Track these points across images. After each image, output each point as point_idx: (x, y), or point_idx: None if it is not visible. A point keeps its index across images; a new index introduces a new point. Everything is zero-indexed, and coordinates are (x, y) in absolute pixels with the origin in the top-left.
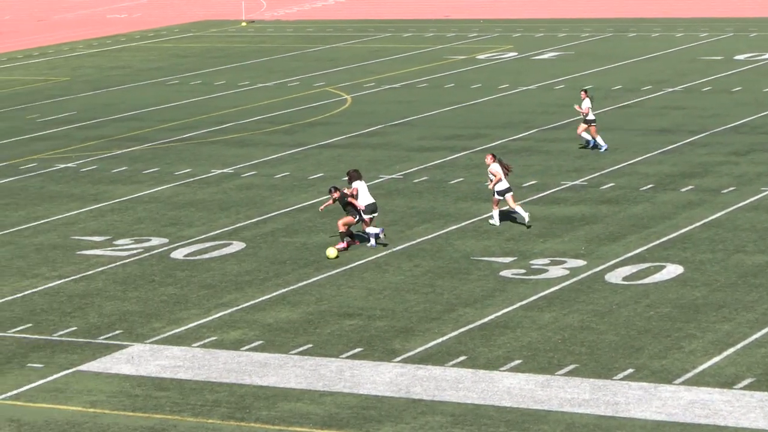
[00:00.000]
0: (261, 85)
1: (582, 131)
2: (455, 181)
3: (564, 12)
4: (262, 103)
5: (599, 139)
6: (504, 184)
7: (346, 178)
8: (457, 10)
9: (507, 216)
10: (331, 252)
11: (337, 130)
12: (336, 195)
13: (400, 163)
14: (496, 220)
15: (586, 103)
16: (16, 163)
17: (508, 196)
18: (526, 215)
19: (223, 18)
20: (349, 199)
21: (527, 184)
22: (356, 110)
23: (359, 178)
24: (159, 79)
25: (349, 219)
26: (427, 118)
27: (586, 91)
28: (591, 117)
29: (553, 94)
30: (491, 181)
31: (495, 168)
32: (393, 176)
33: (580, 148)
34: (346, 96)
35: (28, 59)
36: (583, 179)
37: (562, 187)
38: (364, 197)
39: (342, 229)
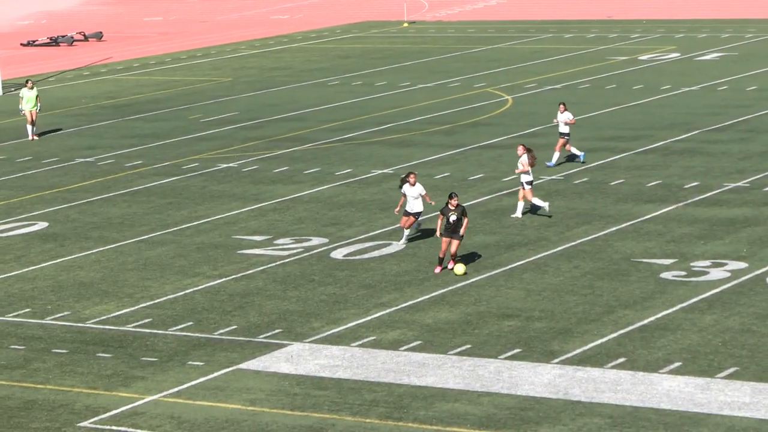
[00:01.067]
0: (422, 85)
1: (568, 147)
2: (616, 182)
3: (728, 12)
4: (422, 103)
5: (555, 155)
6: (528, 177)
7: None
8: (619, 10)
9: (669, 219)
10: (459, 269)
11: (497, 131)
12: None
13: (560, 164)
14: (518, 213)
15: (567, 116)
16: (178, 162)
17: (528, 188)
18: (545, 204)
19: (385, 19)
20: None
21: (689, 185)
22: (517, 111)
23: None
24: (320, 80)
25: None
26: (588, 119)
27: (564, 104)
28: (566, 130)
29: (716, 95)
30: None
31: (524, 159)
32: (553, 177)
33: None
34: (507, 97)
35: (191, 60)
36: (746, 181)
37: (725, 188)
38: None
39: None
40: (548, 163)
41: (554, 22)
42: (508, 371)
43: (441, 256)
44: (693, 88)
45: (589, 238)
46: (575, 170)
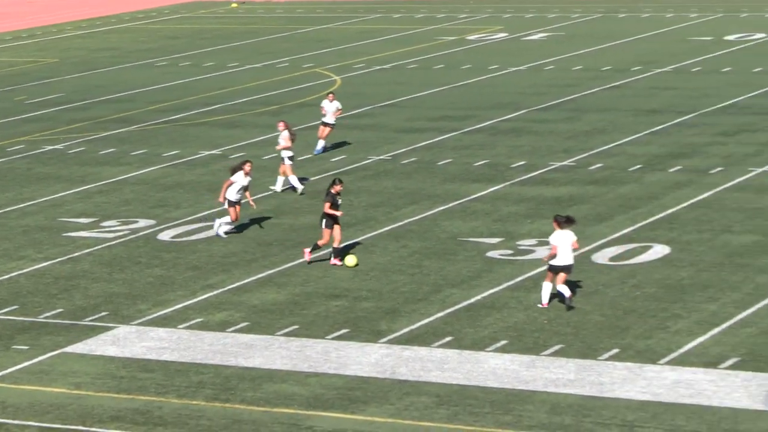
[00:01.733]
0: (250, 66)
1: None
2: (443, 162)
3: None
4: (250, 84)
5: (319, 143)
6: (289, 152)
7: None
8: None
9: (496, 198)
10: (351, 260)
11: None
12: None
13: (388, 144)
14: None
15: (336, 105)
16: (3, 144)
17: (289, 164)
18: (300, 187)
19: None
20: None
21: (516, 164)
22: (345, 91)
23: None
24: (148, 61)
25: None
26: (416, 99)
27: (333, 93)
28: (332, 120)
29: (543, 75)
30: None
31: (285, 135)
32: (381, 157)
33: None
34: (335, 77)
35: (16, 41)
36: (571, 160)
37: (551, 167)
38: None
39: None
40: (315, 151)
41: (382, 3)
42: (336, 351)
43: (336, 246)
44: (520, 68)
45: (417, 217)
46: (403, 150)
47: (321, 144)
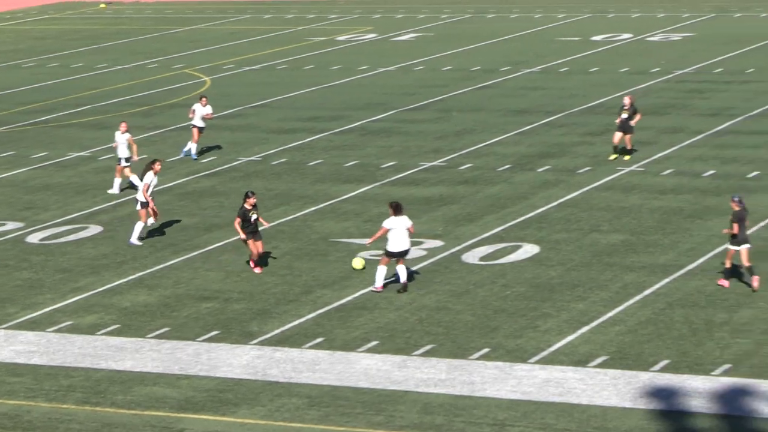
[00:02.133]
0: (119, 67)
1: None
2: (314, 162)
3: None
4: (120, 85)
5: (192, 147)
6: (126, 153)
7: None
8: None
9: (367, 199)
10: (358, 263)
11: None
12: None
13: (259, 145)
14: None
15: (208, 110)
16: None
17: (125, 165)
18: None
19: (82, 0)
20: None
21: (386, 165)
22: (216, 92)
23: None
24: (15, 62)
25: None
26: (286, 100)
27: (206, 97)
28: (202, 124)
29: (413, 76)
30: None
31: (120, 137)
32: (252, 158)
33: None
34: (206, 78)
35: None
36: (441, 160)
37: (421, 168)
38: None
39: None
40: (192, 156)
41: (252, 3)
42: (207, 353)
43: (255, 259)
44: (390, 68)
45: (288, 218)
46: (273, 151)
47: (193, 147)
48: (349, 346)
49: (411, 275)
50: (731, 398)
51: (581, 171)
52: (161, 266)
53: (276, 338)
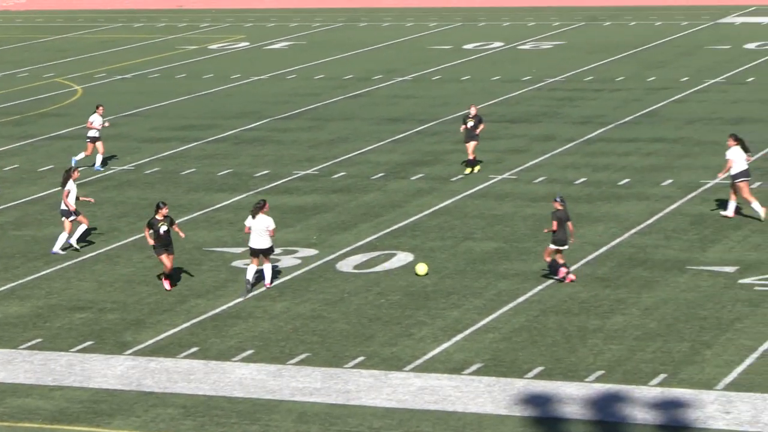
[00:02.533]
0: None
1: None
2: (187, 171)
3: (296, 2)
4: None
5: (98, 158)
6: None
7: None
8: (189, 0)
9: (240, 208)
10: (422, 269)
11: (67, 122)
12: None
13: (131, 154)
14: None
15: (98, 120)
16: None
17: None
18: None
19: None
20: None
21: (259, 174)
22: (87, 101)
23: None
24: None
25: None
26: (158, 109)
27: (102, 106)
28: (96, 134)
29: (286, 84)
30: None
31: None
32: (124, 167)
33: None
34: (77, 87)
35: None
36: (315, 169)
37: (295, 176)
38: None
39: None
40: (98, 167)
41: (124, 12)
42: (81, 364)
43: (166, 273)
44: (262, 77)
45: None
46: (146, 160)
47: (98, 158)
48: (224, 355)
49: (275, 274)
50: (605, 404)
51: (454, 179)
52: (33, 276)
53: (150, 348)
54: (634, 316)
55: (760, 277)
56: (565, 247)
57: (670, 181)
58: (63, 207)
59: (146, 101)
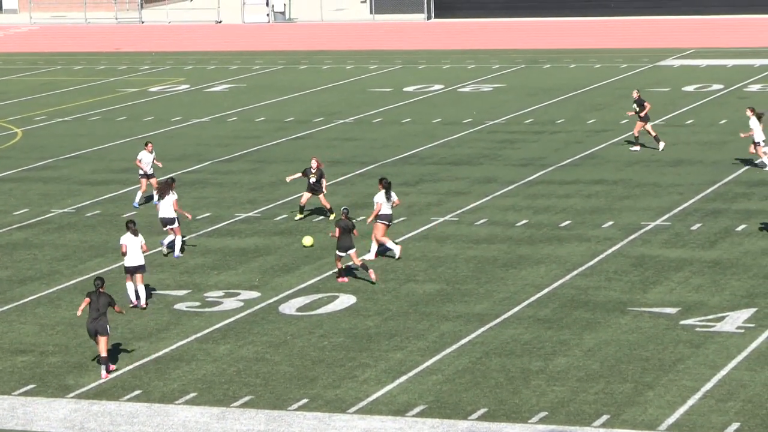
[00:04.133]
0: None
1: None
2: (128, 214)
3: (235, 45)
4: None
5: (138, 195)
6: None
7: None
8: (127, 43)
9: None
10: (308, 240)
11: (7, 164)
12: None
13: (72, 196)
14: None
15: (146, 158)
16: None
17: None
18: None
19: None
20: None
21: (201, 216)
22: (27, 144)
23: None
24: None
25: None
26: (99, 151)
27: (149, 143)
28: (148, 171)
29: (226, 127)
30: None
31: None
32: (65, 210)
33: None
34: (17, 129)
35: None
36: (257, 211)
37: (236, 219)
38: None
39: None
40: (135, 204)
41: (63, 54)
42: (23, 407)
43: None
44: (203, 119)
45: (103, 270)
46: (87, 202)
47: (138, 195)
48: (167, 398)
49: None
50: None
51: (396, 221)
52: None
53: (93, 391)
54: (577, 357)
55: (701, 318)
56: (353, 249)
57: (611, 222)
58: (167, 215)
59: (87, 144)
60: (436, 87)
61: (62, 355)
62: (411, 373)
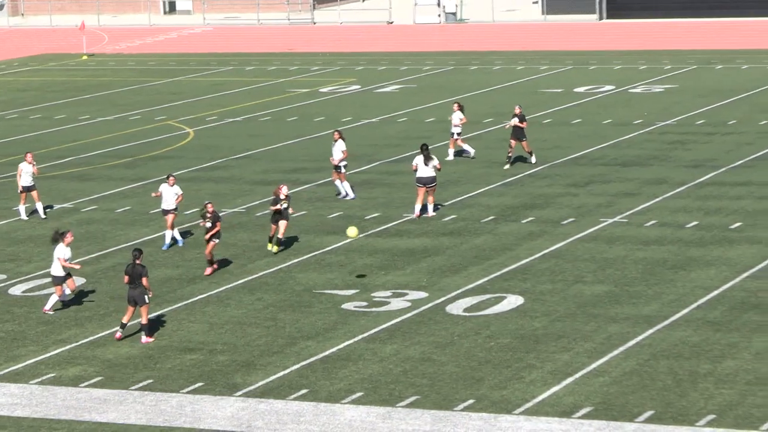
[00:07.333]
0: (102, 119)
1: None
2: (298, 214)
3: (406, 46)
4: (102, 137)
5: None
6: None
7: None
8: (300, 43)
9: (351, 250)
10: (352, 231)
11: (179, 164)
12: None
13: (242, 196)
14: None
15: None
16: None
17: None
18: None
19: (64, 51)
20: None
21: (370, 216)
22: (198, 144)
23: None
24: None
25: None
26: (269, 152)
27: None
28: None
29: (396, 127)
30: None
31: None
32: (235, 209)
33: None
34: (189, 129)
35: None
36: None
37: (405, 219)
38: None
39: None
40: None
41: (235, 55)
42: (191, 405)
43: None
44: (373, 120)
45: (272, 270)
46: (257, 202)
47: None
48: (334, 397)
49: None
50: None
51: (565, 222)
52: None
53: (260, 390)
54: (746, 360)
55: None
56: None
57: None
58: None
59: (257, 144)
60: (607, 88)
61: (230, 354)
62: (577, 375)
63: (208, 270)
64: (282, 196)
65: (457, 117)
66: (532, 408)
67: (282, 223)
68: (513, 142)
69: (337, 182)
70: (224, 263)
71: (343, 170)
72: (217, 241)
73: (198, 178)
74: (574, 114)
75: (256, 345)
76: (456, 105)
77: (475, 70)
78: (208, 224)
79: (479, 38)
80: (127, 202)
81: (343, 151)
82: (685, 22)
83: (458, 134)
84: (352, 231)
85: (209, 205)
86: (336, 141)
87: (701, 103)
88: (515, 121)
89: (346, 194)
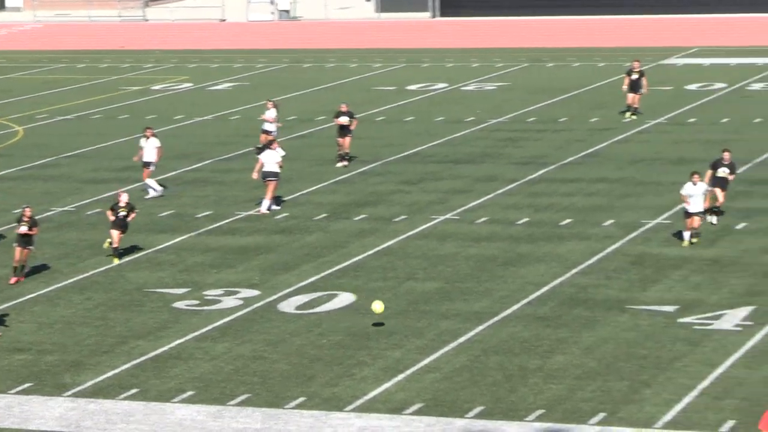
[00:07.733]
0: None
1: None
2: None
3: (239, 43)
4: None
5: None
6: None
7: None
8: (131, 40)
9: (182, 249)
10: (378, 306)
11: (8, 163)
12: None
13: (72, 195)
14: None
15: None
16: None
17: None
18: None
19: None
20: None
21: (202, 214)
22: (28, 142)
23: None
24: None
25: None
26: (100, 150)
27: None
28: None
29: (229, 125)
30: None
31: None
32: (65, 208)
33: None
34: (18, 128)
35: None
36: (256, 209)
37: (237, 217)
38: None
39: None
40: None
41: (66, 52)
42: (19, 406)
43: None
44: (206, 117)
45: (103, 269)
46: (87, 201)
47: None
48: (164, 396)
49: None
50: None
51: (397, 219)
52: None
53: (90, 390)
54: (575, 355)
55: (699, 316)
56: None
57: (611, 221)
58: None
59: (88, 142)
60: (440, 85)
61: (59, 354)
62: (409, 372)
63: (13, 279)
64: (122, 204)
65: (270, 114)
66: (363, 405)
67: (115, 233)
68: (340, 140)
69: (148, 180)
70: (55, 262)
71: (152, 167)
72: (31, 248)
73: (27, 177)
74: (407, 112)
75: (85, 344)
76: (270, 102)
77: (308, 67)
78: (24, 228)
79: (313, 36)
80: None
81: (157, 148)
82: (518, 21)
83: (271, 132)
84: (378, 306)
85: (27, 210)
86: (149, 138)
87: (532, 101)
88: (344, 119)
89: (155, 191)
